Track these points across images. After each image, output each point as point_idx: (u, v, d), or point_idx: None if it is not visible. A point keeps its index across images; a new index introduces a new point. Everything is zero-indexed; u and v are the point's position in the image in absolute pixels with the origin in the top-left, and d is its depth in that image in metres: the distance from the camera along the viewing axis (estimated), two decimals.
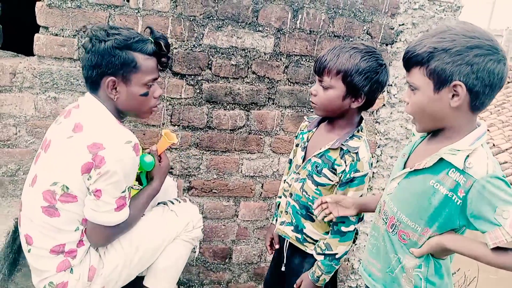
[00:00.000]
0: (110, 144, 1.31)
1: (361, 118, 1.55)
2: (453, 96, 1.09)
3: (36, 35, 1.79)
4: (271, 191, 2.25)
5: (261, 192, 2.25)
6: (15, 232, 1.75)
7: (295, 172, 1.61)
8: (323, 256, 1.52)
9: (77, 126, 1.36)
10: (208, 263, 2.29)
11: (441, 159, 1.14)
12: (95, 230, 1.40)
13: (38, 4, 1.76)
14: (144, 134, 1.99)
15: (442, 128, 1.18)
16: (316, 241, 1.58)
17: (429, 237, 1.18)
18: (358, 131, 1.50)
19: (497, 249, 1.07)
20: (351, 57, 1.40)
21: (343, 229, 1.50)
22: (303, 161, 1.58)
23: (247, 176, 2.20)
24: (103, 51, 1.34)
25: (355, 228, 1.52)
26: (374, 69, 1.41)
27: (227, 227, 2.26)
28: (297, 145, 1.68)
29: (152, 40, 1.43)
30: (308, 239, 1.60)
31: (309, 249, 1.60)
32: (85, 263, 1.45)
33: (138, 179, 1.63)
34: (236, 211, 2.25)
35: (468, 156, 1.10)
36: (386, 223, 1.29)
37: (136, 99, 1.43)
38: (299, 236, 1.61)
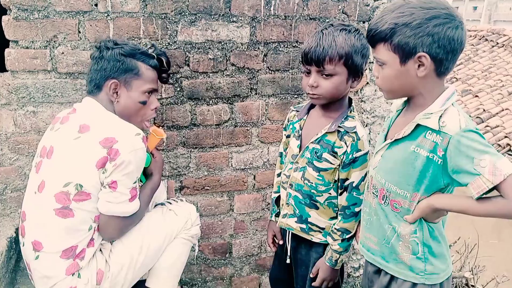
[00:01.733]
0: (122, 136, 1.40)
1: (350, 99, 1.55)
2: (419, 66, 1.16)
3: (6, 50, 1.75)
4: (263, 181, 2.24)
5: (254, 184, 2.23)
6: (9, 251, 1.73)
7: (292, 162, 1.59)
8: (342, 240, 1.54)
9: (82, 127, 1.43)
10: (209, 260, 2.28)
11: (418, 125, 1.21)
12: (109, 222, 1.46)
13: (4, 18, 1.72)
14: None
15: (412, 97, 1.25)
16: (322, 228, 1.58)
17: (419, 201, 1.23)
18: (350, 111, 1.51)
19: (482, 199, 1.12)
20: (346, 39, 1.40)
21: (357, 209, 1.51)
22: (300, 150, 1.56)
23: (238, 169, 2.19)
24: (110, 57, 1.47)
25: None
26: (366, 46, 1.42)
27: (224, 222, 2.25)
28: (287, 136, 1.67)
29: (155, 55, 1.57)
30: (314, 228, 1.59)
31: (315, 237, 1.60)
32: (92, 266, 1.48)
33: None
34: (231, 205, 2.24)
35: (441, 116, 1.16)
36: (377, 196, 1.34)
37: (134, 105, 1.52)
38: (303, 226, 1.60)
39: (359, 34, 1.42)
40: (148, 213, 1.67)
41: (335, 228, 1.54)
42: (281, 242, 1.75)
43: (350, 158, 1.46)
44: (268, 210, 2.31)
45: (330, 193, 1.54)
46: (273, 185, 2.24)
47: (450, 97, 1.20)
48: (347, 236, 1.53)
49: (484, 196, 1.11)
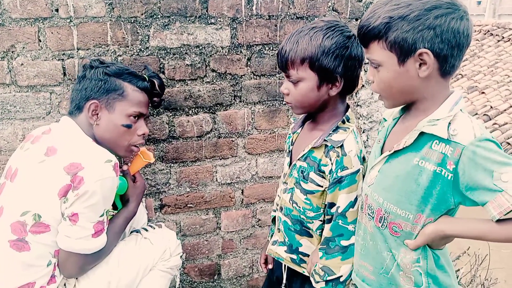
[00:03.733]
0: (89, 163, 1.25)
1: (347, 107, 1.33)
2: (420, 65, 0.99)
3: None
4: (252, 196, 2.06)
5: (242, 199, 2.05)
6: None
7: (283, 182, 1.40)
8: (325, 283, 1.28)
9: (50, 149, 1.29)
10: (196, 283, 2.10)
11: (421, 134, 1.02)
12: (69, 260, 1.30)
13: None
14: None
15: (414, 102, 1.07)
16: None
17: (424, 225, 1.05)
18: (343, 122, 1.29)
19: (504, 221, 0.93)
20: (312, 39, 1.20)
21: (344, 243, 1.26)
22: (290, 168, 1.37)
23: (223, 184, 2.00)
24: (92, 76, 1.36)
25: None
26: (342, 44, 1.20)
27: (210, 241, 2.07)
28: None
29: (147, 77, 1.45)
30: (305, 259, 1.38)
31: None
32: None
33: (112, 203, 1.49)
34: (217, 223, 2.05)
35: (450, 123, 0.99)
36: (373, 217, 1.15)
37: (116, 130, 1.38)
38: (294, 257, 1.39)
39: (335, 31, 1.20)
40: (120, 243, 1.50)
41: (317, 264, 1.31)
42: (270, 266, 1.57)
43: (334, 178, 1.24)
44: (259, 226, 2.12)
45: (321, 220, 1.33)
46: (263, 199, 2.08)
47: (458, 101, 1.03)
48: (329, 278, 1.27)
49: (507, 217, 0.92)
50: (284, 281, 1.47)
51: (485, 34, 9.28)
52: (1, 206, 1.29)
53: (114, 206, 1.53)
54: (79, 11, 1.63)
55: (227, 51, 1.84)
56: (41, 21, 1.61)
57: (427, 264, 1.09)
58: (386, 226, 1.11)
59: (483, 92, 7.25)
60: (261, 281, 2.21)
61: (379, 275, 1.16)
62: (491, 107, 6.67)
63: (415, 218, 1.05)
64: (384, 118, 1.28)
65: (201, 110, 1.88)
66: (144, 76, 1.45)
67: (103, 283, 1.39)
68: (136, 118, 1.42)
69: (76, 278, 1.39)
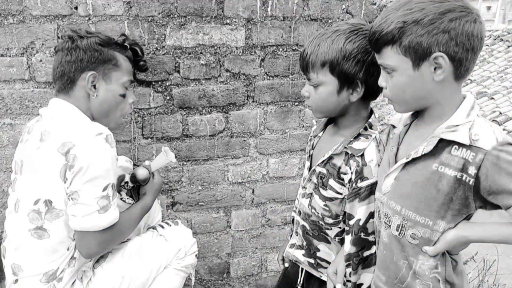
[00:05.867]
0: (80, 139, 1.23)
1: (371, 112, 1.30)
2: (435, 69, 0.99)
3: None
4: (263, 196, 2.07)
5: (253, 198, 2.07)
6: None
7: (302, 186, 1.39)
8: None
9: (43, 134, 1.28)
10: (205, 281, 2.12)
11: (439, 140, 1.02)
12: (83, 239, 1.28)
13: None
14: None
15: (426, 107, 1.07)
16: None
17: (443, 231, 1.04)
18: (365, 129, 1.24)
19: None
20: (333, 42, 1.17)
21: (365, 253, 1.25)
22: (309, 172, 1.36)
23: (234, 183, 2.02)
24: (86, 46, 1.32)
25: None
26: (364, 49, 1.16)
27: (220, 240, 2.08)
28: None
29: (128, 45, 1.45)
30: (323, 263, 1.37)
31: (325, 275, 1.37)
32: None
33: (131, 194, 1.55)
34: (228, 222, 2.07)
35: (469, 128, 0.99)
36: (389, 226, 1.13)
37: (114, 99, 1.39)
38: (311, 261, 1.39)
39: (357, 35, 1.17)
40: (135, 238, 1.52)
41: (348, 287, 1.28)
42: (286, 265, 1.57)
43: (354, 188, 1.21)
44: (269, 226, 2.14)
45: (340, 227, 1.31)
46: (273, 199, 2.09)
47: (474, 107, 1.03)
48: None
49: None
50: (299, 281, 1.46)
51: (495, 39, 9.23)
52: (17, 199, 1.32)
53: (133, 197, 1.55)
54: (97, 9, 1.66)
55: (241, 51, 1.86)
56: (60, 18, 1.64)
57: (446, 271, 1.08)
58: (404, 234, 1.10)
59: (492, 98, 7.21)
60: (270, 281, 2.22)
61: (394, 286, 1.15)
62: (500, 113, 6.64)
63: (435, 225, 1.05)
64: (392, 125, 1.25)
65: (215, 109, 1.90)
66: (126, 44, 1.45)
67: (117, 277, 1.41)
68: (127, 87, 1.44)
69: (92, 271, 1.41)
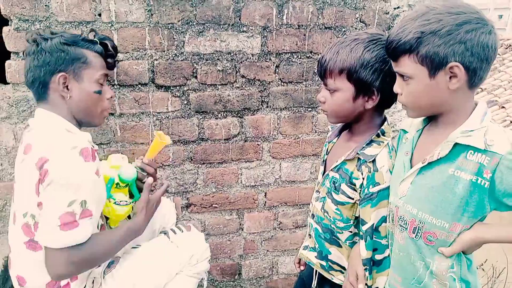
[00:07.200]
0: (53, 154, 1.18)
1: (384, 120, 1.33)
2: (450, 78, 1.03)
3: (7, 62, 1.69)
4: (275, 199, 2.12)
5: (265, 202, 2.11)
6: (6, 271, 1.66)
7: (316, 190, 1.43)
8: None
9: (27, 147, 1.25)
10: (217, 282, 2.16)
11: (454, 145, 1.06)
12: (48, 256, 1.20)
13: (5, 29, 1.66)
14: (133, 154, 1.88)
15: (440, 113, 1.12)
16: (344, 268, 1.39)
17: (460, 233, 1.09)
18: (378, 136, 1.28)
19: None
20: (352, 50, 1.21)
21: (378, 257, 1.29)
22: (323, 177, 1.40)
23: (248, 186, 2.07)
24: (51, 48, 1.27)
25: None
26: (382, 59, 1.20)
27: (233, 242, 2.13)
28: None
29: (97, 40, 1.38)
30: (335, 266, 1.40)
31: (336, 278, 1.41)
32: None
33: (130, 192, 1.48)
34: (240, 224, 2.12)
35: (484, 134, 1.03)
36: (406, 229, 1.17)
37: (89, 97, 1.34)
38: (323, 263, 1.42)
39: (376, 45, 1.21)
40: (146, 243, 1.51)
41: None
42: (302, 268, 1.60)
43: (366, 193, 1.24)
44: (280, 229, 2.18)
45: (351, 231, 1.35)
46: (285, 203, 2.14)
47: (486, 113, 1.07)
48: None
49: None
50: (314, 284, 1.50)
51: (507, 48, 9.19)
52: (14, 210, 1.32)
53: (131, 195, 1.48)
54: (120, 16, 1.72)
55: (257, 58, 1.91)
56: (84, 24, 1.71)
57: (461, 270, 1.12)
58: (421, 236, 1.14)
59: (503, 107, 7.18)
60: (280, 283, 2.26)
61: (410, 286, 1.18)
62: (511, 121, 6.62)
63: (451, 227, 1.09)
64: (403, 130, 1.30)
65: (230, 114, 1.95)
66: (95, 39, 1.38)
67: (128, 284, 1.40)
68: (101, 83, 1.37)
69: (103, 278, 1.40)
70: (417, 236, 1.15)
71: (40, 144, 1.22)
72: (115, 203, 1.43)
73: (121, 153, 1.82)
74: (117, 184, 1.43)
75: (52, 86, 1.29)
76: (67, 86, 1.30)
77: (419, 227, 1.14)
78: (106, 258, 1.34)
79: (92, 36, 1.39)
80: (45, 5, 1.65)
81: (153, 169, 1.52)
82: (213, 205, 2.05)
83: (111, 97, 1.42)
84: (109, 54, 1.41)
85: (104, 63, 1.39)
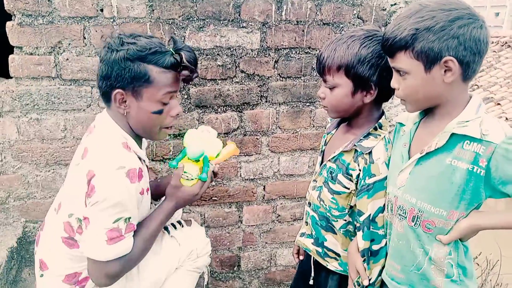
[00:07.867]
0: (100, 171, 1.19)
1: (382, 113, 1.37)
2: (445, 71, 1.08)
3: (10, 56, 1.72)
4: (273, 192, 2.16)
5: (264, 195, 2.15)
6: (10, 262, 1.69)
7: (313, 179, 1.48)
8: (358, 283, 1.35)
9: (85, 151, 1.27)
10: (216, 273, 2.20)
11: (451, 135, 1.11)
12: (92, 266, 1.26)
13: (8, 24, 1.68)
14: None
15: (436, 105, 1.16)
16: (339, 255, 1.43)
17: (457, 220, 1.13)
18: (375, 129, 1.32)
19: None
20: (349, 47, 1.25)
21: (375, 247, 1.32)
22: (320, 167, 1.45)
23: (247, 179, 2.11)
24: (113, 62, 1.23)
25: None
26: (378, 54, 1.24)
27: (232, 234, 2.17)
28: None
29: (173, 51, 1.29)
30: (330, 253, 1.45)
31: (331, 264, 1.46)
32: None
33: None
34: (239, 216, 2.16)
35: (480, 124, 1.08)
36: (405, 218, 1.22)
37: (147, 117, 1.29)
38: (319, 249, 1.47)
39: (372, 41, 1.25)
40: None
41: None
42: (301, 258, 1.65)
43: (362, 184, 1.28)
44: (279, 222, 2.22)
45: (345, 220, 1.39)
46: (284, 196, 2.18)
47: (481, 104, 1.13)
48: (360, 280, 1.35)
49: None
50: (312, 275, 1.55)
51: (503, 45, 9.25)
52: (60, 202, 1.33)
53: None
54: (122, 12, 1.75)
55: (256, 53, 1.95)
56: (86, 20, 1.73)
57: (458, 256, 1.17)
58: (420, 224, 1.19)
59: (498, 104, 7.25)
60: (278, 275, 2.30)
61: (409, 273, 1.23)
62: (507, 118, 6.68)
63: (449, 215, 1.13)
64: (399, 123, 1.33)
65: (229, 108, 1.99)
66: (170, 50, 1.29)
67: (128, 280, 1.40)
68: (165, 102, 1.31)
69: None
70: (416, 224, 1.19)
71: (94, 154, 1.24)
72: (184, 172, 1.42)
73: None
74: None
75: (112, 99, 1.28)
76: (125, 101, 1.27)
77: (418, 215, 1.18)
78: (144, 255, 1.36)
79: (170, 46, 1.31)
80: (48, 0, 1.67)
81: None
82: (213, 198, 2.09)
83: (177, 114, 1.35)
84: (184, 66, 1.30)
85: (175, 77, 1.30)
